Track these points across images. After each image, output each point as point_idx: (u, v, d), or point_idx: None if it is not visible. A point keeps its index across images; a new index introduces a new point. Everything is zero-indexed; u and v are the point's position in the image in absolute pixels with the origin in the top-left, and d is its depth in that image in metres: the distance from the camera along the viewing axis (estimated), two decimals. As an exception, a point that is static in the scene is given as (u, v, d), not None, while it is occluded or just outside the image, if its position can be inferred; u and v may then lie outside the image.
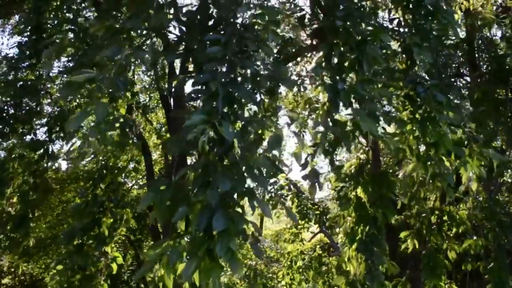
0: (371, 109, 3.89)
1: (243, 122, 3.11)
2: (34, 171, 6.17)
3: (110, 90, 3.42)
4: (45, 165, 6.16)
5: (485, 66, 10.94)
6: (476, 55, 11.21)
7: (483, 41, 11.16)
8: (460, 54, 10.88)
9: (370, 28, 4.47)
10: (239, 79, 3.26)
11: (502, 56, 10.49)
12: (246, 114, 3.27)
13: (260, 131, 3.25)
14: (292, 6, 10.05)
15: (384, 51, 4.41)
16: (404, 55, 4.99)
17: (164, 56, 4.04)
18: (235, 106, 3.11)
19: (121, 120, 3.56)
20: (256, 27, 3.49)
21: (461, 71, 11.40)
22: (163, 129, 13.64)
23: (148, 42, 4.14)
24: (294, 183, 13.05)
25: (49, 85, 7.01)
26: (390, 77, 4.80)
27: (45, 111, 6.60)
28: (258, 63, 3.46)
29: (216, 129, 2.80)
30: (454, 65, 10.85)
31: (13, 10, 10.88)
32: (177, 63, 7.69)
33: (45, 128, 6.18)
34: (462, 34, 10.61)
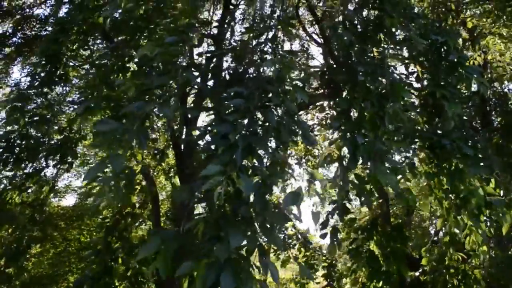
0: (390, 163, 3.83)
1: (260, 176, 3.05)
2: (34, 203, 6.11)
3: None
4: (46, 197, 6.10)
5: (497, 120, 10.93)
6: (488, 108, 11.21)
7: (496, 94, 11.19)
8: (472, 107, 10.88)
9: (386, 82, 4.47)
10: (260, 132, 3.23)
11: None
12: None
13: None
14: (305, 55, 10.27)
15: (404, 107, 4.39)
16: (426, 108, 4.97)
17: (187, 111, 4.10)
18: (254, 159, 3.07)
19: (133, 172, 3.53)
20: (281, 81, 3.50)
21: (474, 124, 11.37)
22: (172, 170, 13.57)
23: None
24: (301, 232, 12.76)
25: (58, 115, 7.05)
26: (411, 130, 4.76)
27: (52, 141, 6.59)
28: (280, 113, 3.45)
29: (232, 181, 2.74)
30: (465, 118, 10.83)
31: (33, 49, 11.20)
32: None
33: (50, 157, 6.17)
34: (474, 87, 10.65)
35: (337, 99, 4.55)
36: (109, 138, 3.11)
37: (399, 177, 4.07)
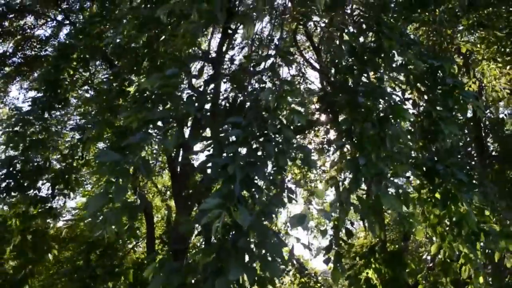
0: (393, 186, 3.83)
1: (259, 206, 3.06)
2: (35, 230, 6.05)
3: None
4: (47, 222, 6.05)
5: (492, 146, 11.02)
6: (484, 134, 11.30)
7: (491, 120, 11.30)
8: (467, 133, 10.97)
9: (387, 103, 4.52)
10: (258, 161, 3.24)
11: (510, 136, 10.58)
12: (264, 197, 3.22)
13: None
14: (303, 80, 10.38)
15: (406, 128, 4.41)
16: (421, 133, 5.01)
17: (187, 141, 4.13)
18: (253, 189, 3.08)
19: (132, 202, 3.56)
20: (279, 110, 3.53)
21: (469, 150, 11.43)
22: (168, 192, 13.53)
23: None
24: (297, 258, 12.59)
25: (58, 140, 7.06)
26: (408, 155, 4.78)
27: (53, 167, 6.58)
28: (278, 139, 3.47)
29: (231, 214, 2.74)
30: (461, 144, 10.91)
31: (33, 68, 11.27)
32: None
33: (50, 184, 6.14)
34: (469, 112, 10.76)
35: (339, 120, 4.56)
36: (111, 168, 3.12)
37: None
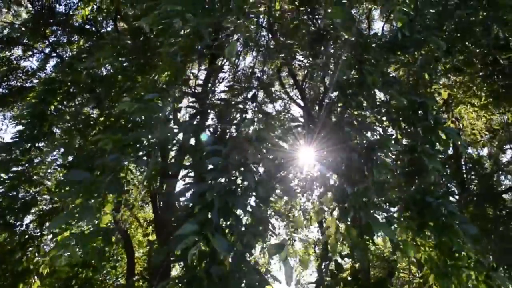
0: (383, 214, 3.83)
1: (237, 236, 3.02)
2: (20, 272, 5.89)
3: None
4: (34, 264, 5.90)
5: (473, 184, 11.17)
6: (464, 171, 11.47)
7: (470, 158, 11.51)
8: (448, 169, 11.12)
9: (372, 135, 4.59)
10: (238, 191, 3.23)
11: (489, 175, 10.77)
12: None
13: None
14: (287, 116, 10.50)
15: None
16: (404, 168, 5.06)
17: (167, 166, 4.09)
18: (231, 218, 3.05)
19: (106, 229, 3.46)
20: (260, 141, 3.54)
21: (450, 188, 11.57)
22: (150, 227, 13.28)
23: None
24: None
25: (46, 174, 6.95)
26: (395, 186, 4.81)
27: (39, 204, 6.46)
28: (260, 170, 3.47)
29: (207, 241, 2.70)
30: (441, 182, 11.03)
31: (17, 99, 11.23)
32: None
33: (37, 223, 6.01)
34: (449, 150, 10.95)
35: (325, 152, 4.60)
36: (79, 189, 3.04)
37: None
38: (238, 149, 3.36)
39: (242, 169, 3.29)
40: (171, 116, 5.70)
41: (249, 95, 3.98)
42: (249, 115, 3.83)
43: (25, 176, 5.86)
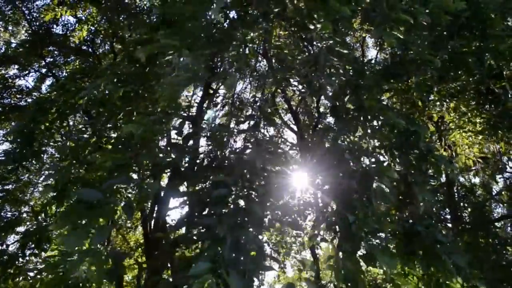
0: (382, 244, 3.77)
1: (245, 270, 2.92)
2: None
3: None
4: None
5: (466, 212, 11.17)
6: (457, 199, 11.47)
7: (463, 186, 11.53)
8: (441, 199, 11.12)
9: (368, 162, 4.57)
10: (246, 223, 3.14)
11: (482, 204, 10.78)
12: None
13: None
14: (281, 140, 10.52)
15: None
16: (397, 196, 5.03)
17: (164, 191, 4.05)
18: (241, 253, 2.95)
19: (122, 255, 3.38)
20: (264, 171, 3.50)
21: (443, 215, 11.55)
22: (139, 249, 13.08)
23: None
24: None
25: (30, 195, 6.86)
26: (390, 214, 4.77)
27: (23, 223, 6.34)
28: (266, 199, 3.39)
29: (221, 279, 2.60)
30: (433, 210, 11.03)
31: (10, 118, 11.17)
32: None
33: (20, 243, 5.87)
34: (442, 178, 10.96)
35: (325, 176, 4.56)
36: (90, 208, 2.96)
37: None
38: (243, 180, 3.30)
39: (248, 200, 3.22)
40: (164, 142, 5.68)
41: (251, 124, 3.96)
42: (252, 143, 3.80)
43: (10, 196, 5.77)
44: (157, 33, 5.11)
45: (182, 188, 5.17)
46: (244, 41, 4.40)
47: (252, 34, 4.69)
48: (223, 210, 3.06)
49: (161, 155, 3.58)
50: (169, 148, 3.73)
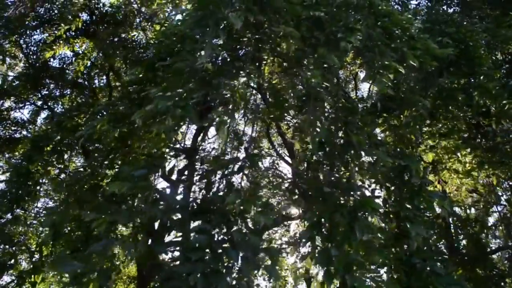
0: (370, 276, 3.76)
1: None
2: None
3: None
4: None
5: (462, 244, 11.13)
6: (453, 231, 11.44)
7: (458, 219, 11.51)
8: (437, 230, 11.08)
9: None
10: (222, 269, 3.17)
11: (477, 236, 10.75)
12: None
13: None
14: (276, 172, 10.55)
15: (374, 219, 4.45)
16: (391, 230, 5.04)
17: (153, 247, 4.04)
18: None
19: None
20: (245, 213, 3.54)
21: (439, 248, 11.49)
22: (132, 284, 12.89)
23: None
24: None
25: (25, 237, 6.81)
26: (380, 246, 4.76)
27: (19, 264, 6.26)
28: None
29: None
30: (432, 240, 10.97)
31: (5, 150, 11.16)
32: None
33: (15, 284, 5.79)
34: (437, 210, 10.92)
35: (308, 212, 4.57)
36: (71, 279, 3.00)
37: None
38: (224, 223, 3.34)
39: (226, 245, 3.26)
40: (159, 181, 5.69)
41: (236, 167, 4.02)
42: (236, 184, 3.85)
43: (5, 235, 5.72)
44: (152, 72, 5.22)
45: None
46: (234, 85, 4.49)
47: (242, 74, 4.79)
48: (201, 257, 3.09)
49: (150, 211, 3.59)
50: (158, 199, 3.75)
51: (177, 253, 3.48)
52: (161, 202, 3.70)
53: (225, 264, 3.23)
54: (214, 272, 3.04)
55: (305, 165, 9.18)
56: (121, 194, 3.62)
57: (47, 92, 11.58)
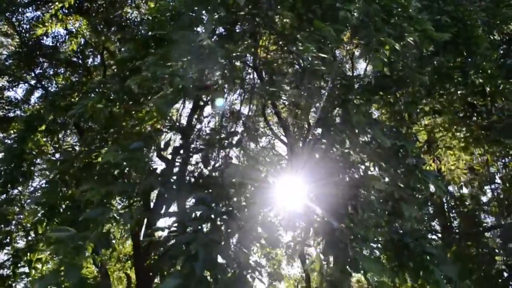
0: (369, 250, 3.80)
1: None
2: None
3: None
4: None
5: (455, 222, 11.24)
6: (447, 209, 11.53)
7: (453, 197, 11.59)
8: (432, 208, 11.17)
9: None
10: (222, 240, 3.17)
11: (471, 214, 10.84)
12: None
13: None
14: (272, 151, 10.54)
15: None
16: (386, 209, 5.07)
17: (147, 216, 4.04)
18: (216, 269, 2.97)
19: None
20: (243, 187, 3.53)
21: (432, 226, 11.60)
22: (129, 262, 12.98)
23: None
24: None
25: (21, 216, 6.80)
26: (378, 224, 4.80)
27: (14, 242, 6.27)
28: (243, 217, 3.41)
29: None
30: (425, 219, 11.08)
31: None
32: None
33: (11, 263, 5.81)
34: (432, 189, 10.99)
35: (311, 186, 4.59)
36: (64, 246, 2.98)
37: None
38: (223, 196, 3.34)
39: (226, 217, 3.26)
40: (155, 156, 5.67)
41: (234, 140, 4.00)
42: (234, 159, 3.84)
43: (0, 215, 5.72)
44: (145, 49, 5.15)
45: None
46: (231, 56, 4.43)
47: (239, 49, 4.73)
48: (199, 227, 3.09)
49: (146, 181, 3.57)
50: (154, 169, 3.73)
51: (174, 229, 3.48)
52: (158, 172, 3.68)
53: (225, 235, 3.23)
54: (214, 243, 3.03)
55: (301, 143, 9.18)
56: (116, 165, 3.60)
57: (40, 71, 11.45)
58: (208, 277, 2.94)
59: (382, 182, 5.46)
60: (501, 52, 8.02)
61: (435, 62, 6.36)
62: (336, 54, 9.69)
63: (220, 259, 3.17)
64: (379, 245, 4.71)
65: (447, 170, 9.06)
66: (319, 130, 5.25)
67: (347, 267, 3.85)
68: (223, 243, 3.13)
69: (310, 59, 4.91)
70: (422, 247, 4.40)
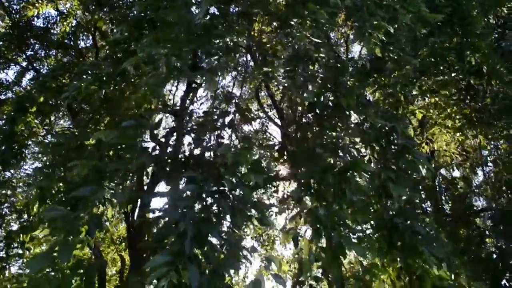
0: (355, 233, 3.84)
1: (212, 266, 2.96)
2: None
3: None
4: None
5: (447, 204, 11.37)
6: (438, 190, 11.64)
7: (444, 180, 11.71)
8: (422, 190, 11.26)
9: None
10: (213, 218, 3.18)
11: (462, 196, 10.98)
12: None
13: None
14: (266, 135, 10.56)
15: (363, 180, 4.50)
16: (375, 189, 5.10)
17: (139, 196, 4.04)
18: (206, 248, 3.00)
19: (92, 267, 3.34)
20: (236, 167, 3.52)
21: (424, 207, 11.72)
22: (123, 244, 13.03)
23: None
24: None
25: (13, 199, 6.78)
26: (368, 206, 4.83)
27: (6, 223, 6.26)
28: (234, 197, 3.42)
29: (180, 273, 2.64)
30: (417, 201, 11.18)
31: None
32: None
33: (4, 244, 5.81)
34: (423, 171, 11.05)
35: (299, 172, 4.61)
36: (58, 225, 2.97)
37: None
38: (214, 176, 3.34)
39: (217, 196, 3.26)
40: (147, 137, 5.64)
41: (226, 121, 3.99)
42: (226, 140, 3.84)
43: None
44: (138, 30, 5.09)
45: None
46: (225, 35, 4.40)
47: (233, 29, 4.70)
48: (192, 205, 3.10)
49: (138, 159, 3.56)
50: (146, 148, 3.71)
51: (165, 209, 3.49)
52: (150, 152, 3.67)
53: (216, 214, 3.24)
54: (204, 221, 3.04)
55: (294, 126, 9.18)
56: (108, 144, 3.59)
57: (32, 53, 11.28)
58: (200, 256, 2.96)
59: (370, 165, 5.50)
60: (496, 35, 8.01)
61: (429, 44, 6.34)
62: (331, 37, 9.64)
63: (214, 240, 3.18)
64: (369, 226, 4.76)
65: (440, 151, 9.11)
66: (311, 114, 5.25)
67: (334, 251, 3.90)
68: (214, 221, 3.14)
69: (303, 45, 4.89)
70: (412, 228, 4.43)
